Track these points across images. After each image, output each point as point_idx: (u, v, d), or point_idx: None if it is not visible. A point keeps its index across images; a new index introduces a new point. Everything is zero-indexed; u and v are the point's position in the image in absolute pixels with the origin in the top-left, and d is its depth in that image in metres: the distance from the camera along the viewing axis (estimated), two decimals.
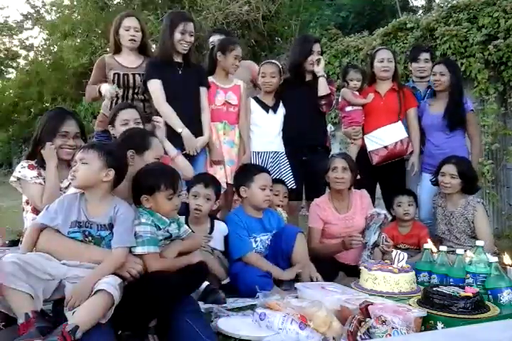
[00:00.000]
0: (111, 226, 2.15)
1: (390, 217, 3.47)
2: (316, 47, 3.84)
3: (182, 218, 2.58)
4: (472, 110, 3.90)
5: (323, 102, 3.78)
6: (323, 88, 3.77)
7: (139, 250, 2.15)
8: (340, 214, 3.45)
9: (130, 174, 2.29)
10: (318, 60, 3.80)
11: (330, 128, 4.69)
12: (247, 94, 3.83)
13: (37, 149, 2.72)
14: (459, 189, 3.48)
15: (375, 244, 3.27)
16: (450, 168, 3.45)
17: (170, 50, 3.42)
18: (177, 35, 3.38)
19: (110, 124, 3.04)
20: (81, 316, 1.88)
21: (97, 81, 3.49)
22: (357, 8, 9.08)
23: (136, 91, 3.51)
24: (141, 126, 2.98)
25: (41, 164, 2.72)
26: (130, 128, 2.84)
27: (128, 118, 2.95)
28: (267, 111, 3.79)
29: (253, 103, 3.81)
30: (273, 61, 3.93)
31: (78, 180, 2.15)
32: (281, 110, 3.82)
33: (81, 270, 2.07)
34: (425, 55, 4.11)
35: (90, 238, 2.14)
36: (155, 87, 3.36)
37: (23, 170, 2.73)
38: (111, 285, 1.96)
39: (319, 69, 3.80)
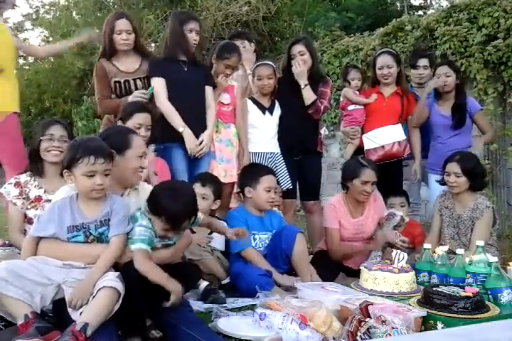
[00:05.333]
0: (108, 221, 2.15)
1: (407, 219, 3.43)
2: (295, 50, 3.75)
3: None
4: (481, 109, 3.95)
5: (310, 111, 3.73)
6: (307, 97, 3.70)
7: (133, 246, 2.14)
8: (353, 219, 3.40)
9: (112, 173, 2.20)
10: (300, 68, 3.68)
11: (324, 131, 4.64)
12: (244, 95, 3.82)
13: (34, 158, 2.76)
14: (467, 187, 3.29)
15: (387, 244, 3.29)
16: (453, 167, 3.29)
17: (178, 47, 3.42)
18: (186, 34, 3.39)
19: (121, 120, 2.99)
20: (89, 314, 1.87)
21: (108, 92, 3.42)
22: (363, 9, 9.05)
23: None
24: (149, 133, 2.97)
25: (37, 173, 2.75)
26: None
27: (142, 123, 2.93)
28: (264, 113, 3.77)
29: (250, 103, 3.78)
30: (267, 62, 3.85)
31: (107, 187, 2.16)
32: (278, 111, 3.81)
33: (81, 272, 2.06)
34: (424, 62, 4.12)
35: (92, 237, 2.14)
36: (157, 85, 3.35)
37: (9, 186, 2.76)
38: (112, 280, 1.96)
39: (300, 81, 3.70)
